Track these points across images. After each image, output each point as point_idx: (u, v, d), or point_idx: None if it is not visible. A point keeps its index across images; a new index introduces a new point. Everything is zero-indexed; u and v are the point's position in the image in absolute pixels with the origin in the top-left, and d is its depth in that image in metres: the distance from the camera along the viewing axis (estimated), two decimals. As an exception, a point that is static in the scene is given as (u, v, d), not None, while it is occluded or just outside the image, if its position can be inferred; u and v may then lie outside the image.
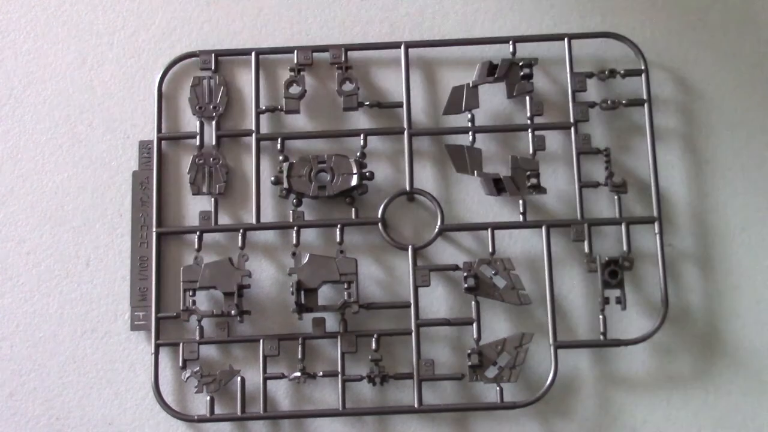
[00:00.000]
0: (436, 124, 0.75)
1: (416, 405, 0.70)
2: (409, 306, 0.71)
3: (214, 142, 0.74)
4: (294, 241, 0.72)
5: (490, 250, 0.72)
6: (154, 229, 0.73)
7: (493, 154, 0.74)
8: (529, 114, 0.74)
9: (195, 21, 0.77)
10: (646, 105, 0.74)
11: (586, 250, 0.72)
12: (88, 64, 0.77)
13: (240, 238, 0.72)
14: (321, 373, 0.70)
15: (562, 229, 0.72)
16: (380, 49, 0.76)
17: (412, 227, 0.74)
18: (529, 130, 0.74)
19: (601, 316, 0.71)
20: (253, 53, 0.75)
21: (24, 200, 0.75)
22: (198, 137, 0.74)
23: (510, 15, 0.77)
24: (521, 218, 0.72)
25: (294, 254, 0.72)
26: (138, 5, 0.78)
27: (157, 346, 0.71)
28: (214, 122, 0.74)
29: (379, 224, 0.73)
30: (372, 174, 0.73)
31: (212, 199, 0.73)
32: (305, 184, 0.72)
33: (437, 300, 0.73)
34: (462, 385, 0.71)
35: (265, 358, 0.71)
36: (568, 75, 0.74)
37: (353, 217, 0.73)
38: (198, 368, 0.71)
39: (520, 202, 0.72)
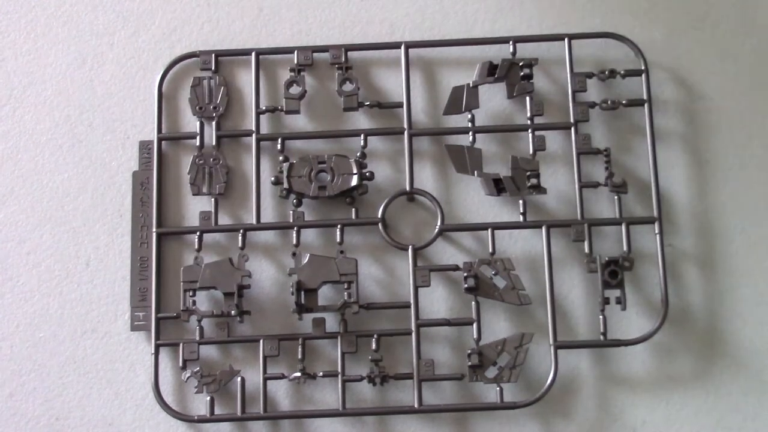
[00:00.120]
0: (436, 125, 0.75)
1: (416, 405, 0.70)
2: (409, 306, 0.71)
3: (214, 143, 0.74)
4: (294, 242, 0.72)
5: (490, 250, 0.72)
6: (154, 230, 0.73)
7: (493, 154, 0.74)
8: (529, 114, 0.74)
9: (195, 21, 0.77)
10: (646, 105, 0.74)
11: (586, 250, 0.72)
12: (88, 64, 0.77)
13: (240, 238, 0.72)
14: (321, 374, 0.70)
15: (562, 230, 0.72)
16: (380, 50, 0.76)
17: (412, 227, 0.74)
18: (529, 131, 0.73)
19: (601, 317, 0.71)
20: (253, 53, 0.75)
21: (24, 200, 0.75)
22: (198, 137, 0.74)
23: (510, 15, 0.77)
24: (521, 218, 0.72)
25: (294, 254, 0.71)
26: (138, 5, 0.78)
27: (157, 347, 0.71)
28: (214, 122, 0.74)
29: (379, 224, 0.73)
30: (372, 174, 0.73)
31: (212, 200, 0.73)
32: (305, 184, 0.72)
33: (437, 300, 0.73)
34: (462, 385, 0.71)
35: (265, 358, 0.70)
36: (568, 75, 0.74)
37: (353, 217, 0.73)
38: (198, 368, 0.71)
39: (520, 202, 0.72)
